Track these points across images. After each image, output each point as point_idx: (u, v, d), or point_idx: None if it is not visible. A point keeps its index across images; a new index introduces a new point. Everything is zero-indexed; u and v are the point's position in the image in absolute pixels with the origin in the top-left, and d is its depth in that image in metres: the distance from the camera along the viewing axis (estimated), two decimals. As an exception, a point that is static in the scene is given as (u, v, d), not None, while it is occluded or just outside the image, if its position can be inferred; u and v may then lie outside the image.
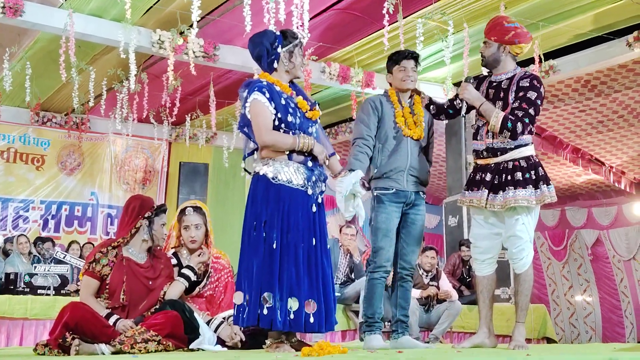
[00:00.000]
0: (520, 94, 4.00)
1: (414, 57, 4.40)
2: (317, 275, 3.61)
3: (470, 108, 4.21)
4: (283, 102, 3.66)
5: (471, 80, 4.23)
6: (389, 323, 4.62)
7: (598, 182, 11.50)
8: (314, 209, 3.69)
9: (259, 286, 3.47)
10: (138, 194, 4.29)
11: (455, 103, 4.32)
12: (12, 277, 6.73)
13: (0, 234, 9.81)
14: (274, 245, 3.52)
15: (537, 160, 4.08)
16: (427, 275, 7.20)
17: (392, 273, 4.42)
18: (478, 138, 4.14)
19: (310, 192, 3.67)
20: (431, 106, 4.43)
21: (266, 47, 3.74)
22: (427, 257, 7.16)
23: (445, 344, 6.65)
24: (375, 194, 4.24)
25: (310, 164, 3.69)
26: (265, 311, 3.43)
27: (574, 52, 8.44)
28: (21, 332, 6.27)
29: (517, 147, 4.01)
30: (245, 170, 3.87)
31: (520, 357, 2.49)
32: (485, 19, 7.58)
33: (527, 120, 3.94)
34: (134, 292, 3.87)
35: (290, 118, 3.65)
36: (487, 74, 4.30)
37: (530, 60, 8.38)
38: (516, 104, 3.97)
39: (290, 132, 3.64)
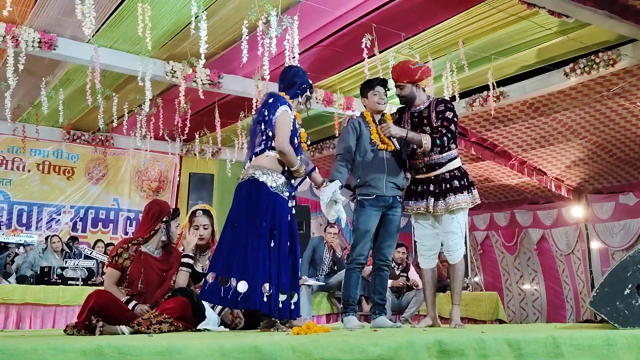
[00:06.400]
0: (440, 115, 4.16)
1: (385, 84, 4.43)
2: (295, 271, 3.67)
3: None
4: (296, 126, 3.74)
5: (396, 114, 4.40)
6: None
7: (541, 188, 11.58)
8: (289, 217, 3.71)
9: (260, 277, 3.45)
10: (156, 199, 4.25)
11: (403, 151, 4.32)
12: (46, 270, 6.73)
13: (36, 234, 9.78)
14: (272, 245, 3.54)
15: (464, 169, 4.25)
16: (398, 268, 7.24)
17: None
18: (416, 158, 4.25)
19: (290, 204, 3.71)
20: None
21: (300, 83, 3.86)
22: (398, 253, 7.19)
23: (414, 325, 6.68)
24: (358, 198, 4.25)
25: (292, 181, 3.74)
26: (265, 299, 3.43)
27: (521, 80, 8.54)
28: (54, 316, 6.26)
29: (449, 160, 4.17)
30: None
31: (476, 334, 2.51)
32: (446, 52, 7.71)
33: (449, 135, 4.09)
34: (150, 281, 3.87)
35: (295, 140, 3.71)
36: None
37: (485, 87, 8.48)
38: (438, 123, 4.14)
39: None
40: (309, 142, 3.98)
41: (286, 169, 3.68)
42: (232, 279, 3.46)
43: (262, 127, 3.67)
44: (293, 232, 3.69)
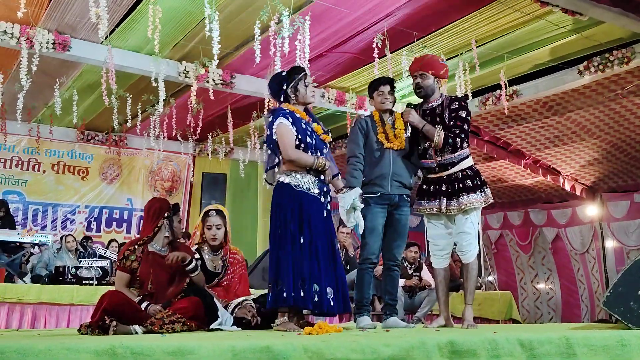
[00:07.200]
0: (453, 114, 4.13)
1: (390, 82, 4.43)
2: (334, 266, 3.71)
3: (413, 130, 4.29)
4: (303, 126, 3.78)
5: (412, 107, 4.35)
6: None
7: (556, 187, 11.50)
8: (325, 213, 3.80)
9: (291, 275, 3.53)
10: (154, 198, 4.26)
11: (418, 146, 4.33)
12: (60, 269, 6.78)
13: (51, 233, 9.86)
14: (301, 241, 3.60)
15: (477, 168, 4.23)
16: (410, 267, 7.22)
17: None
18: (427, 157, 4.23)
19: (322, 200, 3.79)
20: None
21: (274, 89, 3.93)
22: (411, 252, 7.19)
23: (427, 324, 6.67)
24: (363, 197, 4.26)
25: (322, 177, 3.81)
26: (302, 294, 3.50)
27: (534, 79, 8.49)
28: (68, 316, 6.29)
29: (462, 159, 4.14)
30: (266, 180, 3.94)
31: (488, 334, 2.50)
32: (458, 53, 7.68)
33: (462, 135, 4.08)
34: (160, 280, 3.87)
35: (308, 139, 3.76)
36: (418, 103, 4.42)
37: (497, 86, 8.44)
38: (452, 123, 4.11)
39: (309, 151, 3.76)
40: (330, 135, 4.00)
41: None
42: (269, 282, 3.63)
43: (271, 146, 3.80)
44: (327, 227, 3.76)
